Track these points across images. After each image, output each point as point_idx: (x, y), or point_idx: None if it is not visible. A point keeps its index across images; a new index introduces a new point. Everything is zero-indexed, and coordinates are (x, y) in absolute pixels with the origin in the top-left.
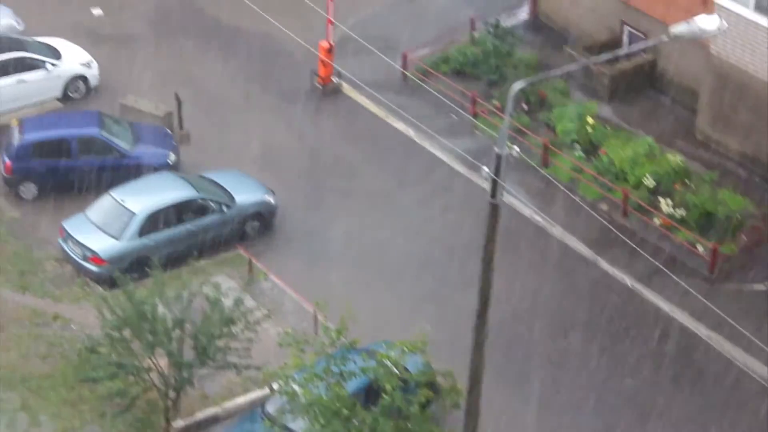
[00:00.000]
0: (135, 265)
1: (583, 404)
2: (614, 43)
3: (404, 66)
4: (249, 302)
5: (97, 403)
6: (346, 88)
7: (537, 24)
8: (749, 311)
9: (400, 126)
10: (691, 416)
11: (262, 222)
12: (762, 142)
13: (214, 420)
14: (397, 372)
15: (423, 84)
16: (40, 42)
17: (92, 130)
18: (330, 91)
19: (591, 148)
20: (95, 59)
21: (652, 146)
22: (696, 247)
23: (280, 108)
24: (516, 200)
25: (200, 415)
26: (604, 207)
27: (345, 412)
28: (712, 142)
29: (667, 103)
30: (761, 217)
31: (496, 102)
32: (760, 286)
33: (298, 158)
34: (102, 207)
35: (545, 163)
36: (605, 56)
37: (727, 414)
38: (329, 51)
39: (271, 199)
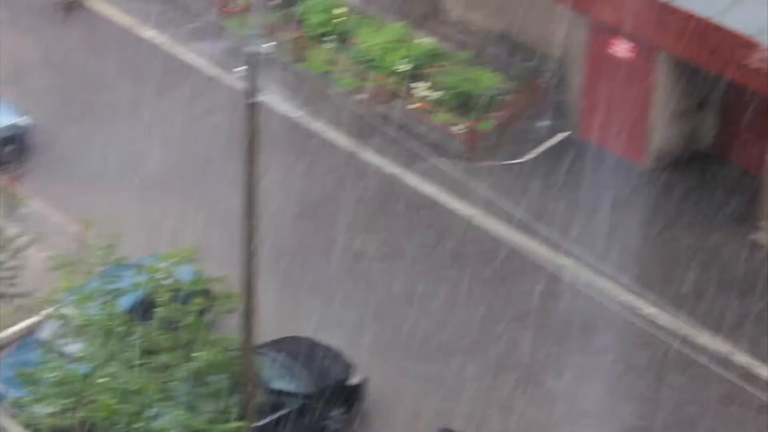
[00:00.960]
0: None
1: (357, 293)
2: None
3: None
4: (11, 229)
5: None
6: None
7: None
8: (509, 186)
9: (148, 34)
10: (461, 293)
11: (16, 145)
12: (510, 18)
13: None
14: (168, 283)
15: None
16: None
17: None
18: (73, 5)
19: (343, 39)
20: None
21: (403, 31)
22: (454, 128)
23: (23, 26)
24: (273, 98)
25: None
26: (361, 96)
27: (120, 329)
28: (461, 22)
29: None
30: (515, 92)
31: (244, 0)
32: (517, 160)
33: (47, 76)
34: None
35: (299, 58)
36: None
37: (492, 288)
38: None
39: (23, 121)
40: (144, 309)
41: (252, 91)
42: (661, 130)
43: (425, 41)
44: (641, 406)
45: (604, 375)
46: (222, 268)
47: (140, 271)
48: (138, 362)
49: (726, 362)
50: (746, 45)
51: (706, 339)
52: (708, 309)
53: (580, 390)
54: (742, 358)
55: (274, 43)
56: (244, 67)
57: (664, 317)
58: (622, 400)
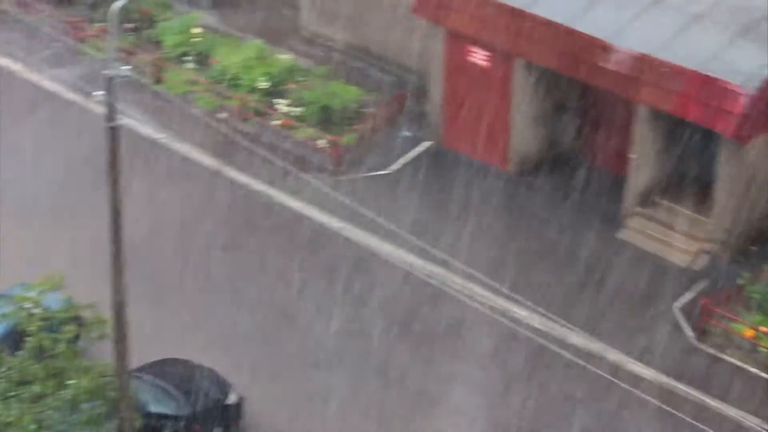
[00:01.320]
0: None
1: (229, 312)
2: None
3: None
4: None
5: None
6: None
7: None
8: (375, 197)
9: (2, 62)
10: (334, 306)
11: None
12: (368, 31)
13: None
14: (37, 312)
15: (20, 15)
16: None
17: None
18: None
19: (202, 59)
20: None
21: (261, 49)
22: (318, 142)
23: None
24: (134, 121)
25: None
26: (223, 115)
27: None
28: (319, 37)
29: (272, 5)
30: (377, 105)
31: (99, 24)
32: (382, 172)
33: None
34: None
35: (158, 80)
36: None
37: (364, 298)
38: None
39: None
40: (14, 340)
41: (111, 115)
42: (522, 136)
43: (284, 58)
44: (514, 406)
45: (479, 377)
46: (92, 294)
47: (7, 302)
48: (10, 394)
49: (596, 359)
50: (601, 48)
51: (576, 338)
52: (578, 308)
53: (456, 394)
54: (612, 354)
55: (131, 66)
56: (103, 91)
57: (534, 318)
58: (497, 401)
